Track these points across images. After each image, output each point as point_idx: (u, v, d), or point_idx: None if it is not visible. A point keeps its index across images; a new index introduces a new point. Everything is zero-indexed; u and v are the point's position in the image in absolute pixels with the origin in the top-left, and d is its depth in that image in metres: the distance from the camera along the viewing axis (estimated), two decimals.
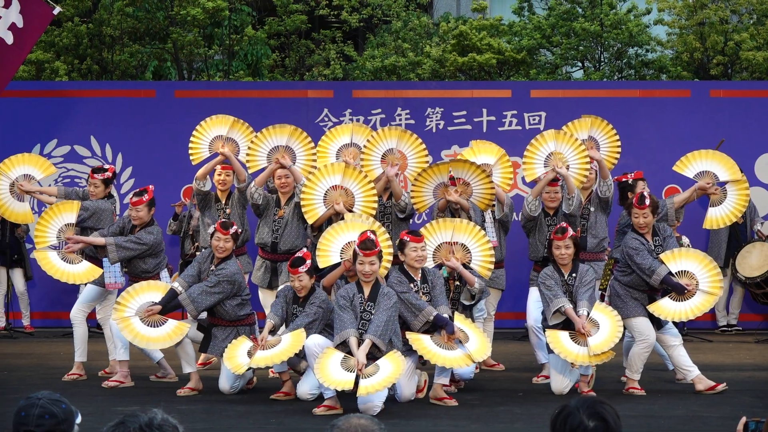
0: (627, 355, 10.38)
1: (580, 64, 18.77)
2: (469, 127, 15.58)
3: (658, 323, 10.25)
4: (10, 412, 4.04)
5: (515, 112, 15.57)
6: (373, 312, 9.32)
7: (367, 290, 9.45)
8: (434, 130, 15.56)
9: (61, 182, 15.59)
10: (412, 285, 9.69)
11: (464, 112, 15.62)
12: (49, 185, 13.53)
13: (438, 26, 19.55)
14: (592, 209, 11.22)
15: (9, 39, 11.78)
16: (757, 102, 15.62)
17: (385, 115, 15.59)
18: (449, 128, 15.56)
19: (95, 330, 13.55)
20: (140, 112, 15.74)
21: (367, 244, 9.43)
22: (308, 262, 9.83)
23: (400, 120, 15.56)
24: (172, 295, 10.12)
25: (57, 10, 12.35)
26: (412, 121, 15.56)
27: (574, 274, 9.98)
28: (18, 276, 15.06)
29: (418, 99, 15.75)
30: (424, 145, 11.48)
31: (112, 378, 10.63)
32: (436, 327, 9.56)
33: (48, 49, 18.36)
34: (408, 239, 9.75)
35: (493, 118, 15.58)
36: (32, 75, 17.89)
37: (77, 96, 16.07)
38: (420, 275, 9.77)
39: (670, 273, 10.04)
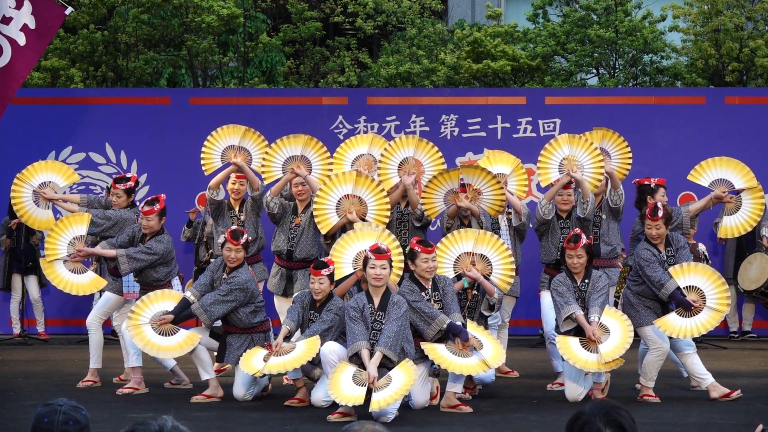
0: (642, 363, 10.36)
1: (594, 71, 18.76)
2: (483, 134, 15.58)
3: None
4: (25, 418, 4.06)
5: (530, 119, 15.57)
6: (383, 322, 9.32)
7: (377, 300, 9.43)
8: (449, 137, 15.57)
9: (76, 189, 15.64)
10: (423, 293, 9.67)
11: (479, 119, 15.62)
12: (68, 192, 13.55)
13: (452, 33, 19.56)
14: (603, 217, 11.20)
15: (21, 40, 11.81)
16: None
17: (399, 122, 15.59)
18: (464, 135, 15.57)
19: (110, 337, 13.59)
20: (155, 119, 15.78)
21: (379, 249, 9.48)
22: (332, 267, 9.85)
23: (415, 127, 15.57)
24: (184, 304, 10.13)
25: (69, 10, 12.37)
26: (427, 128, 15.57)
27: (587, 280, 9.96)
28: (33, 283, 15.09)
29: (433, 106, 15.76)
30: (440, 153, 11.45)
31: (126, 385, 10.64)
32: (450, 335, 9.54)
33: (63, 57, 18.41)
34: (419, 250, 9.69)
35: (507, 125, 15.58)
36: (47, 82, 17.95)
37: (92, 103, 16.12)
38: (431, 283, 9.76)
39: (678, 288, 10.01)
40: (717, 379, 10.34)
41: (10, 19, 11.77)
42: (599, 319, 9.80)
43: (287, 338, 9.72)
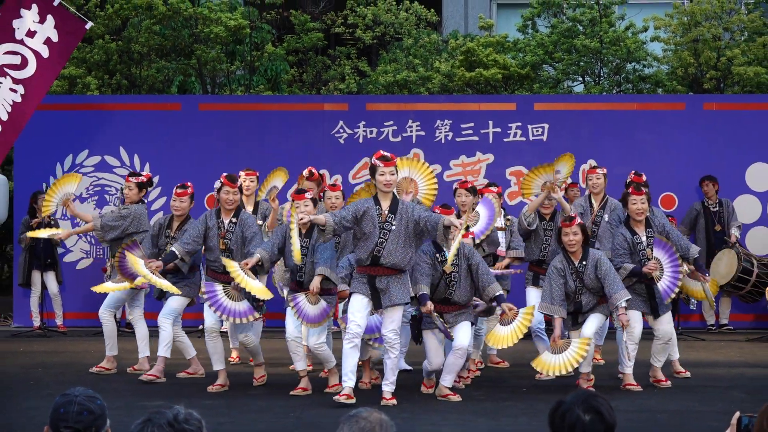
0: (621, 350, 10.32)
1: (580, 78, 18.76)
2: (476, 138, 15.57)
3: (655, 313, 10.19)
4: (45, 407, 4.07)
5: (520, 124, 15.58)
6: (393, 224, 9.07)
7: (385, 204, 9.19)
8: (443, 141, 15.57)
9: (92, 190, 15.68)
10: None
11: (471, 124, 15.63)
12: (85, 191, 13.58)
13: (447, 43, 19.56)
14: (605, 217, 11.18)
15: (45, 53, 11.88)
16: (748, 114, 15.60)
17: (396, 126, 15.59)
18: (457, 139, 15.57)
19: (125, 330, 13.60)
20: (166, 124, 15.79)
21: (384, 157, 9.19)
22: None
23: (411, 132, 15.57)
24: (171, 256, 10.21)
25: (89, 24, 12.46)
26: (423, 133, 15.57)
27: (584, 262, 9.80)
28: (51, 279, 15.15)
29: (428, 112, 15.76)
30: (433, 173, 11.22)
31: (150, 372, 10.64)
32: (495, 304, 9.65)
33: (80, 65, 18.41)
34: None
35: (498, 129, 15.58)
36: (65, 89, 17.95)
37: (107, 109, 16.13)
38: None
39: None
40: (696, 369, 10.35)
41: (35, 32, 11.84)
42: (625, 303, 9.64)
43: (260, 266, 9.68)
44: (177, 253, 10.11)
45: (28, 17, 11.84)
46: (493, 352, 11.69)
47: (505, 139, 15.56)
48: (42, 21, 11.85)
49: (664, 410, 8.99)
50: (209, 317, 10.17)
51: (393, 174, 9.19)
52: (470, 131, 15.60)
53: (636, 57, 18.30)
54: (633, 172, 11.18)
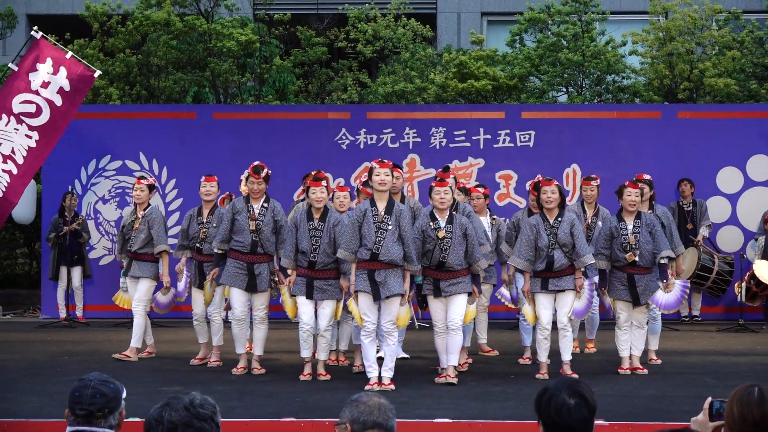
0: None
1: (564, 89, 18.76)
2: (468, 144, 15.58)
3: (636, 302, 10.21)
4: (69, 391, 4.08)
5: (508, 131, 15.58)
6: (390, 224, 9.22)
7: (381, 205, 9.33)
8: (438, 147, 15.58)
9: (114, 192, 15.69)
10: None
11: (464, 132, 15.63)
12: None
13: (441, 56, 19.56)
14: (599, 224, 11.16)
15: (58, 101, 12.05)
16: (719, 122, 15.61)
17: (395, 133, 15.60)
18: (451, 145, 15.58)
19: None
20: (182, 131, 15.79)
21: (381, 160, 9.41)
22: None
23: (408, 138, 15.58)
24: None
25: (98, 73, 12.66)
26: (419, 139, 15.58)
27: (559, 219, 9.84)
28: (76, 273, 15.22)
29: (424, 120, 15.77)
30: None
31: (213, 359, 10.80)
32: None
33: (103, 77, 18.41)
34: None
35: (489, 136, 15.59)
36: (89, 99, 17.93)
37: (128, 117, 16.14)
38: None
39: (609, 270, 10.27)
40: (671, 357, 10.35)
41: (48, 83, 12.03)
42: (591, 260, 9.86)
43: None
44: (220, 250, 10.34)
45: (43, 69, 12.04)
46: (484, 342, 11.69)
47: (495, 145, 15.56)
48: (55, 72, 12.06)
49: (640, 395, 8.99)
50: (238, 306, 10.30)
51: (387, 175, 9.29)
52: (462, 138, 15.61)
53: (615, 69, 18.31)
54: (640, 174, 11.30)
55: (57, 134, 12.24)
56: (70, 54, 12.26)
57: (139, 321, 11.23)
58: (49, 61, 12.04)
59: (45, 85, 12.01)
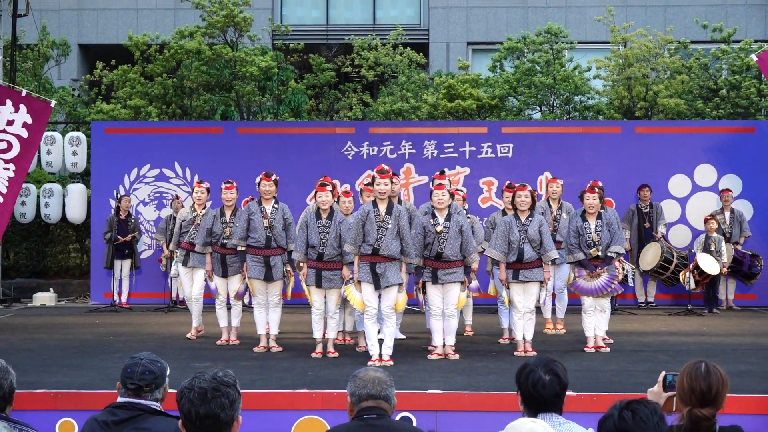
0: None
1: (538, 108, 18.75)
2: (455, 155, 15.58)
3: None
4: (116, 367, 4.09)
5: (490, 144, 15.58)
6: (390, 223, 9.23)
7: (383, 207, 9.34)
8: (430, 158, 15.58)
9: (153, 196, 15.68)
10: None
11: (452, 144, 15.63)
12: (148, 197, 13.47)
13: (432, 80, 19.55)
14: (564, 216, 11.26)
15: (24, 134, 12.21)
16: (671, 136, 15.61)
17: (393, 146, 15.60)
18: (441, 156, 15.58)
19: (179, 306, 13.57)
20: (211, 144, 15.78)
21: (382, 170, 9.37)
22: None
23: (404, 150, 15.58)
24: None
25: (53, 103, 12.70)
26: (413, 151, 15.58)
27: (530, 219, 9.86)
28: (126, 265, 15.30)
29: (418, 134, 15.76)
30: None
31: (232, 339, 10.80)
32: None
33: (143, 98, 18.41)
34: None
35: (473, 148, 15.58)
36: (131, 116, 17.93)
37: (165, 132, 16.12)
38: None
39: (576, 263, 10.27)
40: (630, 337, 10.31)
41: (13, 121, 12.11)
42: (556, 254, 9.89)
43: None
44: (241, 246, 10.26)
45: (5, 111, 12.10)
46: (469, 323, 11.66)
47: (479, 156, 15.56)
48: (17, 110, 12.13)
49: (605, 370, 8.97)
50: (259, 294, 10.32)
51: (387, 184, 9.33)
52: (451, 149, 15.60)
53: (582, 91, 18.31)
54: (595, 181, 11.25)
55: (28, 162, 12.42)
56: (24, 92, 12.36)
57: (199, 306, 11.29)
58: (8, 102, 12.13)
59: (10, 123, 12.10)
